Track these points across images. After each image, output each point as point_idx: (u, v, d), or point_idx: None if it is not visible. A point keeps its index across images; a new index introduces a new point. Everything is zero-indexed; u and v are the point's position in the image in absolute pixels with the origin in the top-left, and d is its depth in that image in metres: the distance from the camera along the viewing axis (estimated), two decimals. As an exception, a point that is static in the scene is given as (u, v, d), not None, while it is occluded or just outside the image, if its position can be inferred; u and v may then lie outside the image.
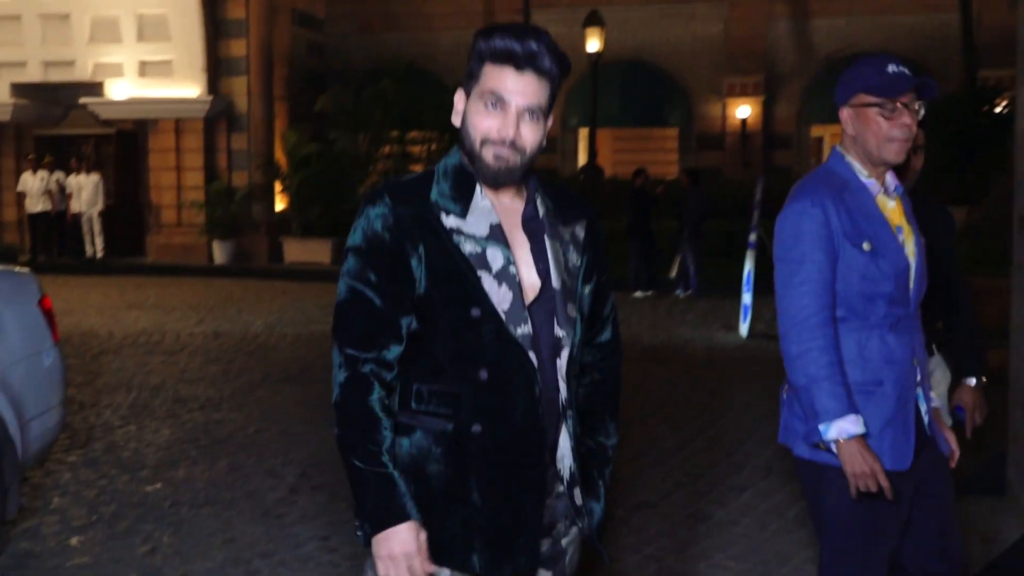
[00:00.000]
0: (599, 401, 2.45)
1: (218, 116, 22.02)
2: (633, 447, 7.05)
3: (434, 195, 2.23)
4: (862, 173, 2.97)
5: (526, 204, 2.30)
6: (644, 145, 28.06)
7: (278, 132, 22.69)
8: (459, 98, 2.28)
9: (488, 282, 2.18)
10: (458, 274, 2.18)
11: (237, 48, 21.85)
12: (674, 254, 17.06)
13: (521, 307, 2.19)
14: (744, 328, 12.49)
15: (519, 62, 2.16)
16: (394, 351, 2.21)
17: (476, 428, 2.19)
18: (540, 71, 2.18)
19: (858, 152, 2.97)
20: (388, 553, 2.15)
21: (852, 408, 2.80)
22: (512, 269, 2.20)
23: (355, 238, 2.24)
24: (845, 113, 2.97)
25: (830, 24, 24.58)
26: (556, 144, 25.79)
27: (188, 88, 21.80)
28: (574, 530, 2.40)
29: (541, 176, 2.37)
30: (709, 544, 5.23)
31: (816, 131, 26.83)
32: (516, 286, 2.19)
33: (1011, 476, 5.63)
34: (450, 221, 2.20)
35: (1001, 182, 11.83)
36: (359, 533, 2.23)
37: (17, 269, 5.81)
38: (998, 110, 18.33)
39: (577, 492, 2.32)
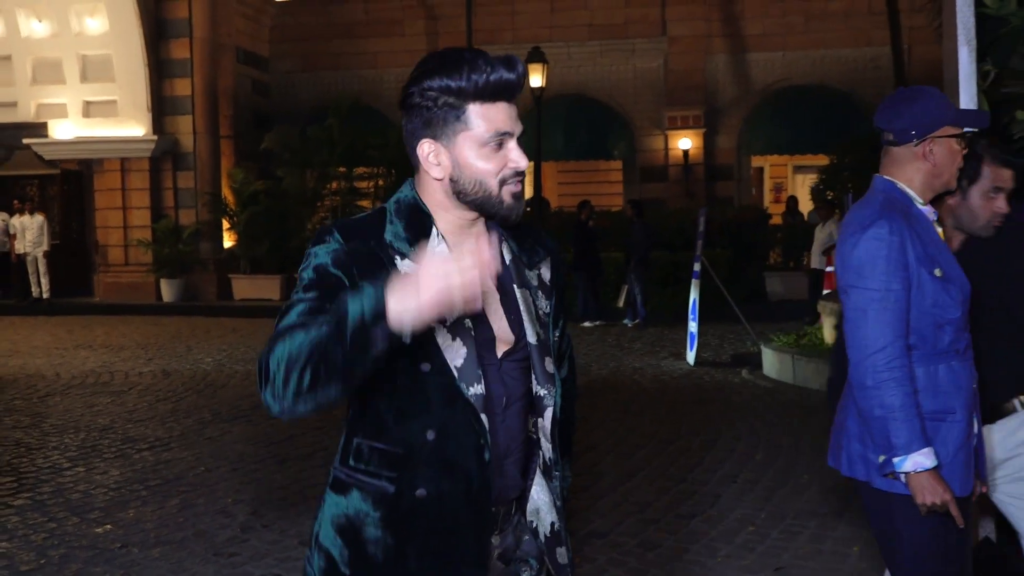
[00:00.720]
0: (564, 436, 2.30)
1: (164, 155, 21.97)
2: (583, 476, 7.05)
3: (388, 236, 2.04)
4: (918, 201, 2.96)
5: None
6: (589, 177, 28.18)
7: (224, 170, 22.63)
8: (432, 149, 2.05)
9: (441, 336, 1.99)
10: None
11: (182, 87, 21.86)
12: (621, 284, 17.18)
13: (475, 364, 2.01)
14: (691, 356, 12.57)
15: (513, 92, 2.02)
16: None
17: (421, 492, 2.02)
18: (518, 91, 2.06)
19: (922, 181, 2.95)
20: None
21: (926, 441, 2.77)
22: (467, 322, 2.02)
23: (304, 275, 2.02)
24: (923, 145, 2.93)
25: (767, 58, 24.91)
26: (502, 178, 25.83)
27: (133, 128, 21.74)
28: None
29: None
30: (658, 573, 5.24)
31: (756, 161, 27.12)
32: (471, 341, 2.02)
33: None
34: (404, 265, 1.99)
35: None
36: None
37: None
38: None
39: (561, 551, 2.19)
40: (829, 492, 6.65)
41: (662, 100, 25.26)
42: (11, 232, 21.38)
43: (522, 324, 2.10)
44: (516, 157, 2.03)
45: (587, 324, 16.43)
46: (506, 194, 2.03)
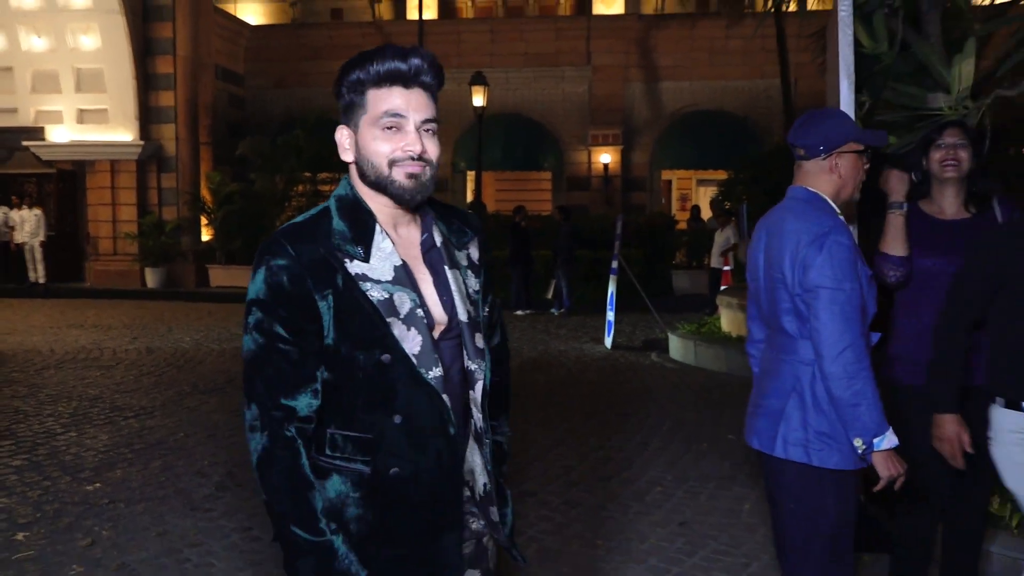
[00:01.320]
0: (495, 401, 2.16)
1: (149, 158, 21.69)
2: (516, 444, 7.06)
3: (336, 240, 1.92)
4: (835, 210, 2.94)
5: (423, 233, 2.03)
6: (523, 185, 28.26)
7: (203, 173, 22.41)
8: (344, 134, 2.01)
9: (397, 328, 1.90)
10: (368, 322, 1.89)
11: (166, 99, 21.56)
12: (549, 278, 17.24)
13: (432, 349, 1.93)
14: (608, 341, 12.66)
15: (407, 80, 1.92)
16: (314, 404, 1.94)
17: (395, 471, 1.93)
18: (424, 85, 1.94)
19: (830, 192, 2.94)
20: None
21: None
22: (420, 312, 1.93)
23: (257, 290, 1.93)
24: (831, 159, 2.91)
25: (676, 86, 25.14)
26: (447, 184, 25.84)
27: (122, 133, 21.42)
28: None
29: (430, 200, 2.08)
30: (582, 527, 5.28)
31: (666, 175, 27.39)
32: (425, 328, 1.93)
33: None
34: (354, 267, 1.91)
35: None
36: None
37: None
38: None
39: (492, 510, 2.11)
40: (725, 458, 6.74)
41: (586, 120, 25.41)
42: (11, 224, 20.97)
43: (454, 304, 2.00)
44: (411, 140, 1.91)
45: (519, 312, 16.46)
46: (398, 174, 1.91)
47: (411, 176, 1.91)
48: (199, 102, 22.29)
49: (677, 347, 11.71)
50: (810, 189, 2.95)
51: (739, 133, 24.05)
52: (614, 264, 13.34)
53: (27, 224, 20.74)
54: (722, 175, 21.43)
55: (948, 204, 3.60)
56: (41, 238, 20.69)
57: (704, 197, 26.80)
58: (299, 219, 2.00)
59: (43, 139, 21.60)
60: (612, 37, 25.42)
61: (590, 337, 13.53)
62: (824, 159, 2.93)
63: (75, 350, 12.18)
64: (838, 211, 2.94)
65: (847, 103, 4.97)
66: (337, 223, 1.95)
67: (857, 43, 5.14)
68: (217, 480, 6.21)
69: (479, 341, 2.02)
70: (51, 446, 7.15)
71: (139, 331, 14.28)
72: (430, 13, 26.82)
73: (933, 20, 5.39)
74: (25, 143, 21.57)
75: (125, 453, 6.95)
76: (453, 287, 2.00)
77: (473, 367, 2.01)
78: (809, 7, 17.12)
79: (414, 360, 1.91)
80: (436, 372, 1.93)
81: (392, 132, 1.92)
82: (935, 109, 5.20)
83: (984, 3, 6.24)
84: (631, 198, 25.13)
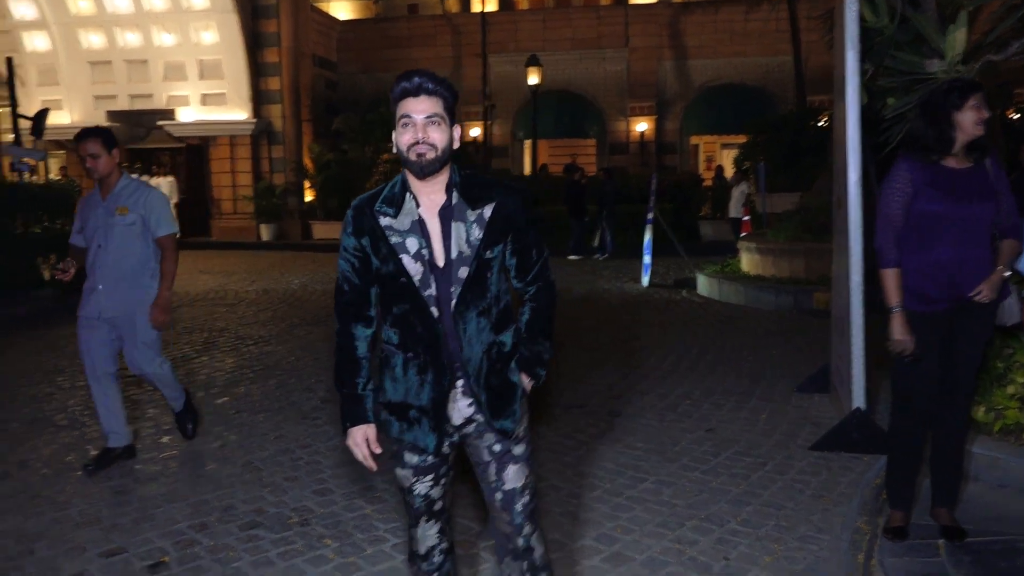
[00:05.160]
0: (534, 323, 2.44)
1: (261, 134, 21.86)
2: (568, 364, 7.09)
3: (378, 204, 2.30)
4: None
5: (445, 198, 2.30)
6: (571, 151, 27.96)
7: (305, 145, 22.51)
8: (394, 135, 2.30)
9: (407, 261, 2.26)
10: (392, 257, 2.27)
11: (274, 84, 21.67)
12: (595, 229, 17.12)
13: (428, 276, 2.27)
14: (645, 280, 12.57)
15: (413, 91, 2.22)
16: (370, 311, 2.38)
17: (410, 353, 2.33)
18: (428, 91, 2.23)
19: None
20: (352, 440, 2.37)
21: None
22: (424, 252, 2.26)
23: (342, 236, 2.39)
24: None
25: (702, 63, 24.61)
26: (508, 151, 25.72)
27: (238, 113, 21.57)
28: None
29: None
30: (623, 432, 5.29)
31: (694, 140, 26.94)
32: (425, 263, 2.26)
33: (832, 381, 5.74)
34: (385, 221, 2.28)
35: (823, 175, 11.97)
36: (344, 425, 2.40)
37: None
38: (820, 124, 18.48)
39: (475, 384, 2.35)
40: (744, 376, 6.68)
41: (625, 94, 25.02)
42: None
43: (451, 247, 2.28)
44: (410, 134, 2.22)
45: (572, 257, 16.41)
46: (410, 155, 2.22)
47: (419, 155, 2.22)
48: (300, 86, 22.32)
49: (703, 285, 11.59)
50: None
51: (757, 102, 23.53)
52: (649, 216, 13.18)
53: (162, 189, 21.13)
54: (742, 139, 21.03)
55: (960, 155, 3.43)
56: (174, 200, 21.07)
57: (727, 158, 26.27)
58: (374, 190, 2.37)
59: (174, 119, 21.82)
60: (646, 22, 24.88)
61: (629, 277, 13.45)
62: None
63: (204, 291, 12.45)
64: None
65: (852, 70, 4.81)
66: (388, 192, 2.32)
67: (861, 18, 4.96)
68: (322, 394, 6.32)
69: (462, 272, 2.28)
70: (188, 368, 7.34)
71: (256, 276, 14.54)
72: (491, 6, 26.51)
73: (929, -4, 5.17)
74: (160, 123, 21.85)
75: (247, 373, 7.11)
76: (453, 236, 2.28)
77: (453, 288, 2.29)
78: (818, -9, 16.55)
79: (417, 282, 2.27)
80: (431, 291, 2.28)
81: (408, 128, 2.23)
82: (931, 73, 5.01)
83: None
84: (664, 160, 24.75)
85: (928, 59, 5.07)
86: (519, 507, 2.39)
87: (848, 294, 4.82)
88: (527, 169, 25.18)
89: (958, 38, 4.91)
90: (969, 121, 3.32)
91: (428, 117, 2.22)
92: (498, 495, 2.39)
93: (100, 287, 4.65)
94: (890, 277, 3.38)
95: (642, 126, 24.80)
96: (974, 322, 3.41)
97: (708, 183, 22.05)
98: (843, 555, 3.47)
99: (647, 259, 12.77)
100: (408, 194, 2.29)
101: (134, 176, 5.02)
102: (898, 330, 3.35)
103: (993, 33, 5.15)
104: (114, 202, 4.64)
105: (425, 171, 2.23)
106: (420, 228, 2.27)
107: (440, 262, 2.28)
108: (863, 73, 4.99)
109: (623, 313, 10.10)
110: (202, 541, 3.76)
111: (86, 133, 4.62)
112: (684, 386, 6.42)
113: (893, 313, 3.36)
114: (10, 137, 12.87)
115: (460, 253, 2.27)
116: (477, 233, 2.28)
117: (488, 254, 2.30)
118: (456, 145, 2.29)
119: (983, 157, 3.40)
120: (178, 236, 4.85)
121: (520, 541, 2.41)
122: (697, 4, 24.93)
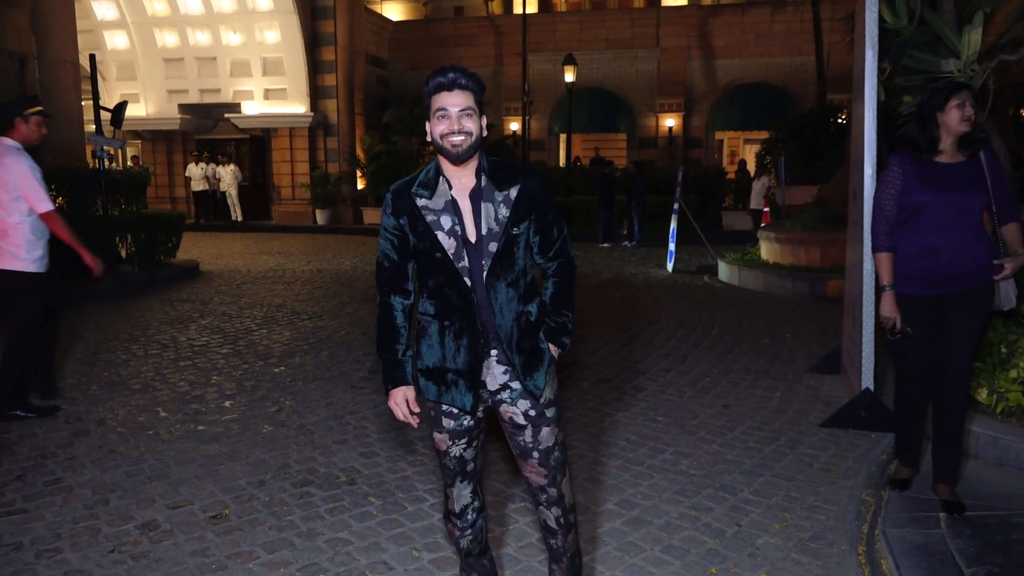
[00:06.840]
0: (558, 296, 2.47)
1: (318, 126, 21.94)
2: (597, 343, 7.09)
3: (414, 188, 2.34)
4: None
5: (475, 181, 2.34)
6: (604, 144, 27.76)
7: (358, 136, 22.56)
8: (427, 126, 2.33)
9: (442, 236, 2.30)
10: (428, 234, 2.31)
11: (330, 80, 21.70)
12: (623, 218, 17.01)
13: (461, 250, 2.30)
14: (670, 266, 12.48)
15: (448, 85, 2.25)
16: (408, 284, 2.42)
17: (446, 322, 2.36)
18: (461, 86, 2.26)
19: None
20: (393, 400, 2.40)
21: None
22: (457, 228, 2.30)
23: (382, 217, 2.42)
24: None
25: (728, 63, 24.22)
26: (545, 144, 25.61)
27: (297, 107, 21.68)
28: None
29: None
30: (646, 406, 5.29)
31: (719, 135, 26.54)
32: (459, 238, 2.30)
33: (843, 362, 5.67)
34: (421, 202, 2.32)
35: (841, 169, 11.77)
36: (385, 387, 2.44)
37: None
38: (840, 121, 18.14)
39: (508, 349, 2.38)
40: (760, 356, 6.63)
41: (655, 91, 24.72)
42: (217, 177, 21.69)
43: (481, 224, 2.32)
44: (445, 124, 2.25)
45: (603, 245, 16.33)
46: (446, 143, 2.25)
47: (454, 144, 2.25)
48: (354, 82, 22.38)
49: (725, 271, 11.47)
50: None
51: (779, 101, 23.11)
52: (675, 206, 13.05)
53: (228, 176, 21.56)
54: (765, 135, 20.71)
55: (950, 151, 3.43)
56: (236, 187, 21.44)
57: (750, 153, 25.89)
58: (410, 176, 2.40)
59: (239, 112, 21.98)
60: (676, 24, 24.51)
61: (655, 263, 13.36)
62: None
63: (264, 270, 12.61)
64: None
65: (871, 69, 4.71)
66: (424, 176, 2.36)
67: (881, 20, 4.85)
68: (370, 366, 6.39)
69: (492, 247, 2.32)
70: (248, 339, 7.46)
71: (311, 256, 14.68)
72: (532, 8, 26.33)
73: (947, -1, 5.04)
74: (226, 115, 22.06)
75: (302, 345, 7.20)
76: (483, 215, 2.32)
77: (484, 262, 2.32)
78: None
79: (451, 256, 2.31)
80: (464, 264, 2.31)
81: (443, 119, 2.26)
82: (946, 72, 4.89)
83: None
84: (690, 154, 24.46)
85: (944, 59, 4.95)
86: (552, 461, 2.45)
87: (860, 281, 4.75)
88: (562, 161, 25.05)
89: (973, 38, 4.78)
90: (953, 120, 3.38)
91: (462, 110, 2.25)
92: (535, 454, 2.43)
93: None
94: (882, 260, 3.50)
95: (670, 122, 24.52)
96: (967, 308, 3.42)
97: (731, 176, 21.75)
98: (849, 525, 3.46)
99: (672, 246, 12.67)
100: (442, 178, 2.34)
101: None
102: (886, 307, 3.47)
103: (1008, 34, 5.01)
104: None
105: (461, 158, 2.27)
106: (453, 207, 2.31)
107: (472, 238, 2.32)
108: (881, 72, 4.89)
109: (648, 296, 10.04)
110: (259, 496, 3.84)
111: None
112: (704, 364, 6.38)
113: (884, 292, 3.48)
114: (92, 127, 13.17)
115: (490, 230, 2.32)
116: (504, 212, 2.32)
117: (515, 230, 2.35)
118: (485, 133, 2.32)
119: (978, 151, 3.40)
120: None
121: (553, 491, 2.48)
122: (725, 6, 24.53)
